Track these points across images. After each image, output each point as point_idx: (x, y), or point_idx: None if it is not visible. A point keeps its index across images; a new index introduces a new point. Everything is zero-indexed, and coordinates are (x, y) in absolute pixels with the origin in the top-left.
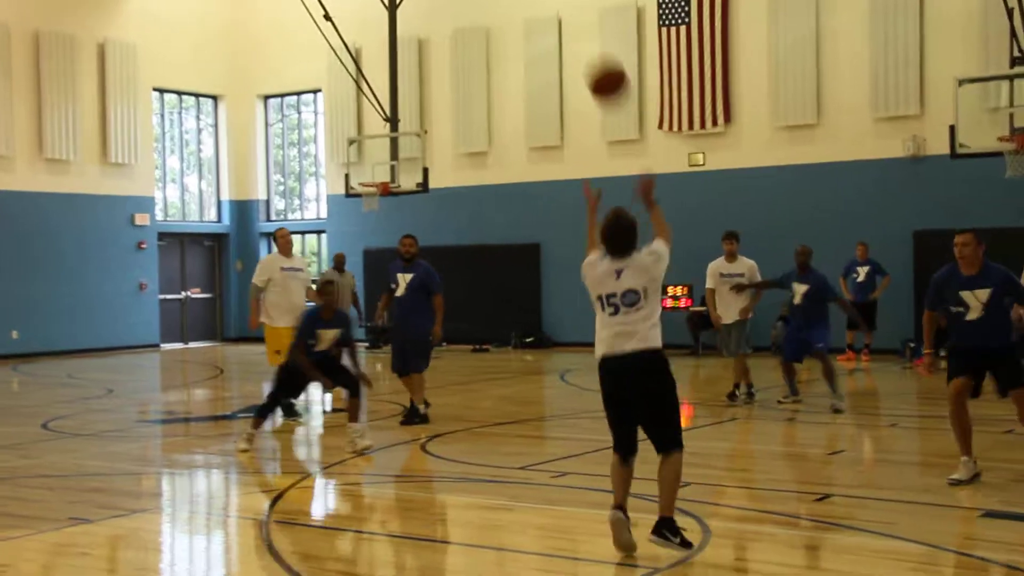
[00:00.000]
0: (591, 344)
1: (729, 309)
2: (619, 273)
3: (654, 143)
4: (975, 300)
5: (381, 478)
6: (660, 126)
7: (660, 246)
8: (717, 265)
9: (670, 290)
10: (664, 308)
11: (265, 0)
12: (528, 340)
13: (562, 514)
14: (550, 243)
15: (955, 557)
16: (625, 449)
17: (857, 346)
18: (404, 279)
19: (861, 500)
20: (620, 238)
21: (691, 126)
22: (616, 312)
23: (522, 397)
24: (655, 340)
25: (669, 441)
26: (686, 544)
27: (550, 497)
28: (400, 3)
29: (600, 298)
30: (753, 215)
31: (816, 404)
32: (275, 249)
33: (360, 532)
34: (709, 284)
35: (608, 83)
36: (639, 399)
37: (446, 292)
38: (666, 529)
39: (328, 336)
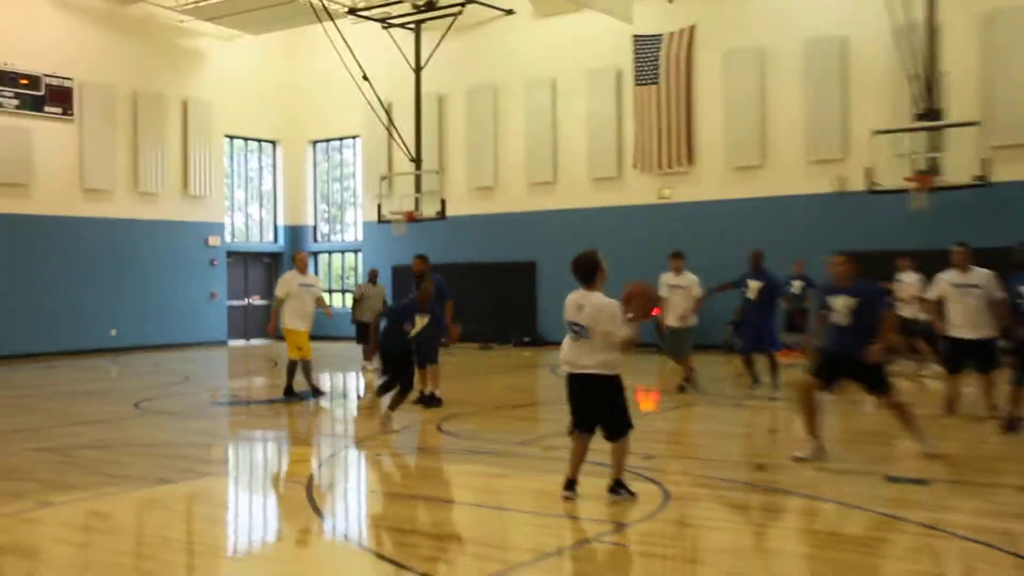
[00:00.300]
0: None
1: (674, 317)
2: (580, 307)
3: (630, 180)
4: (843, 307)
5: (404, 450)
6: (635, 166)
7: (619, 313)
8: (665, 278)
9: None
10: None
11: (314, 62)
12: (526, 340)
13: (551, 480)
14: (544, 261)
15: (863, 513)
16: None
17: (792, 344)
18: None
19: (791, 468)
20: (580, 269)
21: (660, 166)
22: (572, 335)
23: (520, 386)
24: (596, 368)
25: (614, 434)
26: (630, 493)
27: (542, 467)
28: (424, 66)
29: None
30: (711, 239)
31: (758, 393)
32: (294, 268)
33: (385, 493)
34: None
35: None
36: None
37: (459, 300)
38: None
39: (422, 322)
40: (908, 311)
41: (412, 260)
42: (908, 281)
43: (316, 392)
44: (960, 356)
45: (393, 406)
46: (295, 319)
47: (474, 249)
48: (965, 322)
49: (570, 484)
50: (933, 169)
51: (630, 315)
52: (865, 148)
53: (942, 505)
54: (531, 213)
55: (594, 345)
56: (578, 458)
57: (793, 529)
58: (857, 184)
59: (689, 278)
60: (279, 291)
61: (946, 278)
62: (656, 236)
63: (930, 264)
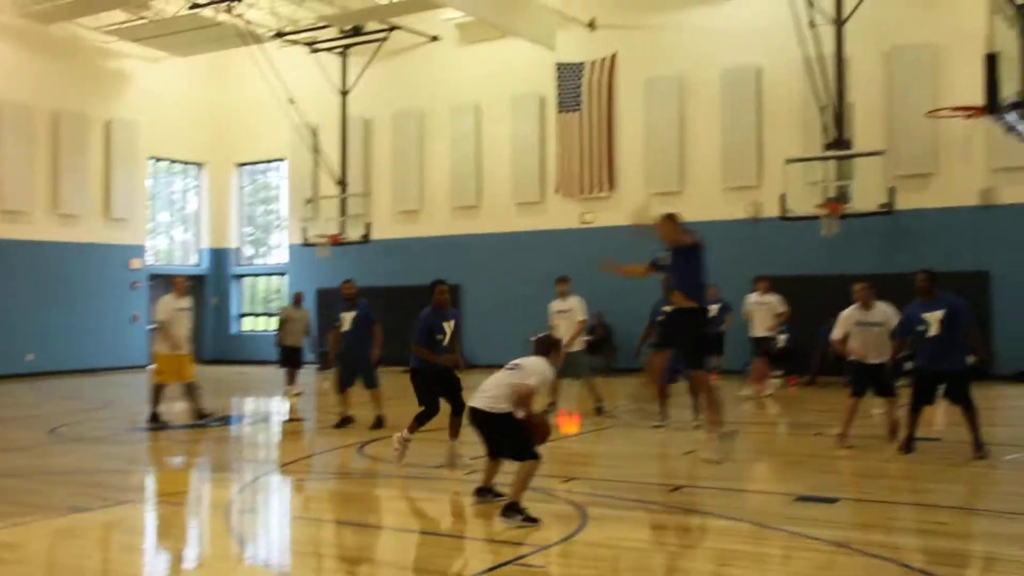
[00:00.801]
0: (500, 366)
1: (567, 339)
2: (516, 366)
3: (553, 205)
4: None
5: (325, 475)
6: (557, 191)
7: (535, 387)
8: (552, 305)
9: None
10: None
11: (241, 85)
12: None
13: (471, 502)
14: (469, 285)
15: (773, 532)
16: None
17: (709, 367)
18: (348, 316)
19: (705, 489)
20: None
21: (582, 191)
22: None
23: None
24: (503, 405)
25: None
26: (531, 520)
27: (463, 490)
28: (350, 90)
29: None
30: (632, 263)
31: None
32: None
33: (307, 518)
34: (550, 320)
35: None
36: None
37: (385, 324)
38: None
39: (450, 327)
40: (762, 331)
41: (341, 284)
42: (767, 301)
43: (201, 416)
44: (864, 380)
45: (454, 432)
46: (170, 343)
47: (399, 273)
48: (866, 351)
49: (481, 491)
50: (842, 197)
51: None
52: (779, 175)
53: (851, 523)
54: (456, 237)
55: (508, 389)
56: (492, 470)
57: (708, 549)
58: (771, 210)
59: (572, 302)
60: (161, 315)
61: (849, 316)
62: (578, 260)
63: (840, 289)
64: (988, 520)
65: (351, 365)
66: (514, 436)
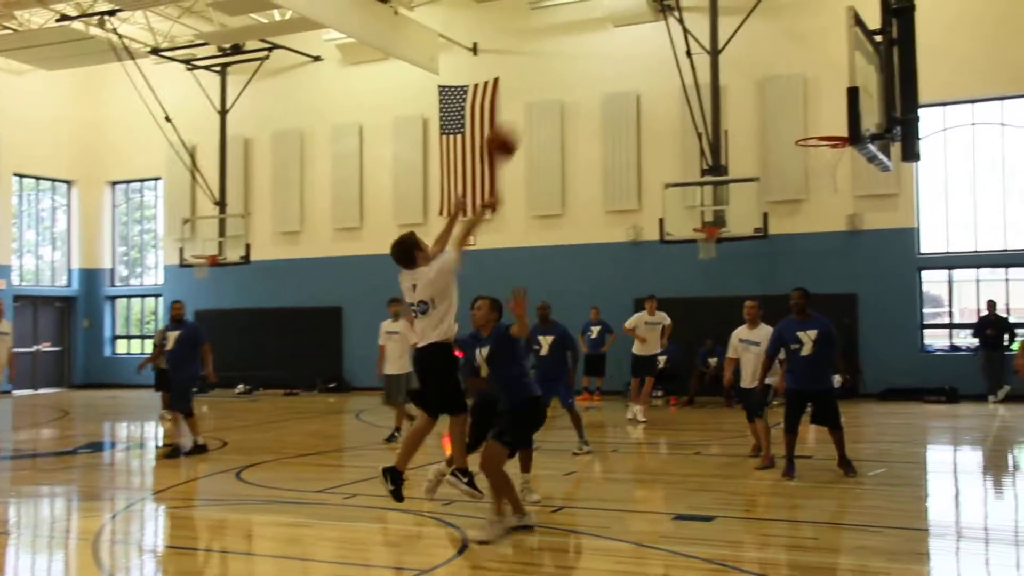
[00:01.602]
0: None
1: (391, 363)
2: (414, 287)
3: (436, 226)
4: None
5: (200, 502)
6: (440, 213)
7: (444, 257)
8: (383, 324)
9: None
10: None
11: (114, 101)
12: (331, 385)
13: (351, 529)
14: (350, 306)
15: (651, 552)
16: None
17: (591, 388)
18: (172, 336)
19: (587, 510)
20: (398, 254)
21: (464, 213)
22: (416, 316)
23: (324, 432)
24: (435, 336)
25: (446, 409)
26: (476, 489)
27: (343, 515)
28: (230, 109)
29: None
30: (512, 285)
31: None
32: None
33: (181, 548)
34: (380, 341)
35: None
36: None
37: (264, 347)
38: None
39: (484, 353)
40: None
41: (171, 306)
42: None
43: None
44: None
45: (525, 465)
46: None
47: (279, 294)
48: (746, 373)
49: (396, 475)
50: (719, 221)
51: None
52: (658, 200)
53: (727, 540)
54: (337, 258)
55: (435, 317)
56: (414, 445)
57: (589, 570)
58: (651, 234)
59: (403, 323)
60: None
61: (736, 334)
62: (460, 282)
63: (720, 309)
64: (855, 534)
65: (169, 384)
66: (448, 383)
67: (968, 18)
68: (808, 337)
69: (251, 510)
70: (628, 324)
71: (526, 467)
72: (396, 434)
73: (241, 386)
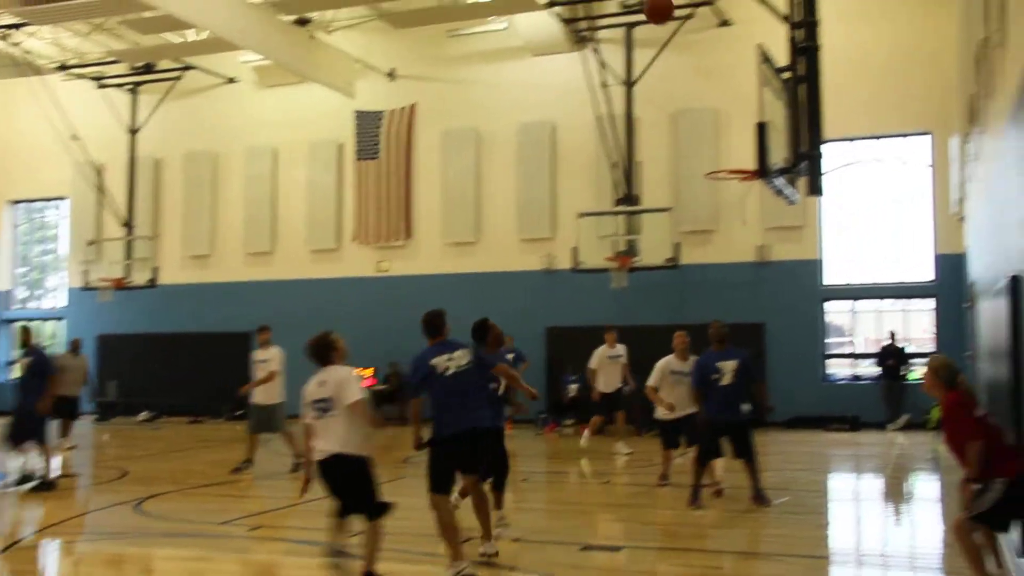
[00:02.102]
0: (292, 416)
1: (264, 391)
2: (323, 383)
3: (349, 252)
4: None
5: (96, 536)
6: (355, 239)
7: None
8: (255, 354)
9: (357, 371)
10: None
11: (19, 118)
12: (238, 413)
13: (252, 562)
14: None
15: None
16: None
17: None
18: (22, 363)
19: (496, 542)
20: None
21: (379, 239)
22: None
23: (229, 461)
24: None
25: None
26: None
27: (246, 547)
28: (140, 128)
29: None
30: (424, 311)
31: None
32: None
33: None
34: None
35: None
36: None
37: (170, 373)
38: None
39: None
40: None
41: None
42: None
43: None
44: (674, 433)
45: (497, 501)
46: None
47: (187, 319)
48: (678, 403)
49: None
50: (631, 251)
51: None
52: (571, 228)
53: (634, 571)
54: (248, 283)
55: (339, 421)
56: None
57: None
58: (564, 262)
59: (272, 352)
60: None
61: (665, 365)
62: (374, 308)
63: (629, 339)
64: (762, 563)
65: (19, 415)
66: (372, 486)
67: (871, 59)
68: (729, 367)
69: (150, 543)
70: (591, 365)
71: (499, 503)
72: (244, 466)
73: (144, 413)
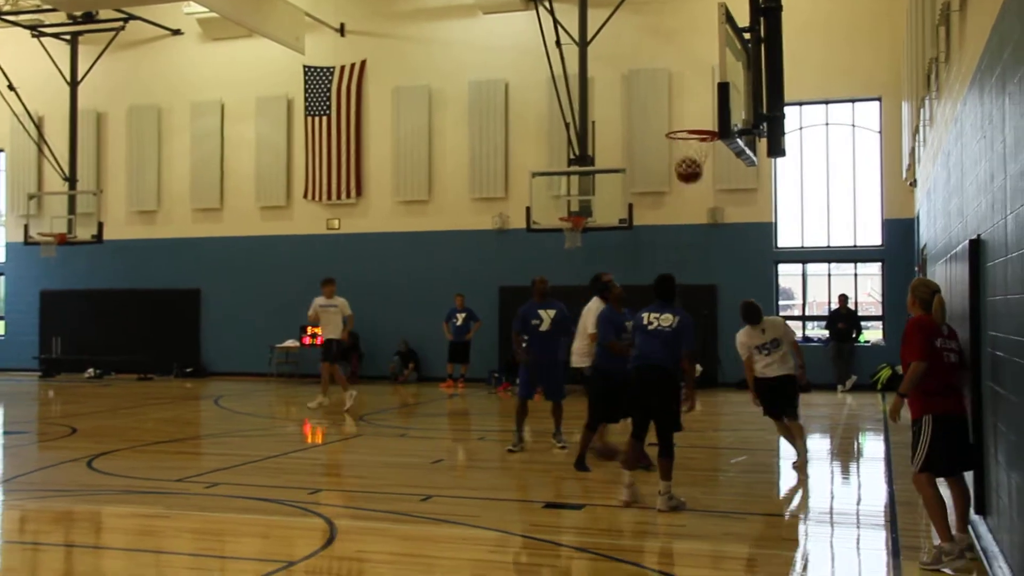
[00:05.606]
0: (243, 373)
1: (335, 330)
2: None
3: (299, 210)
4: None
5: (48, 492)
6: (305, 196)
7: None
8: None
9: (310, 329)
10: (304, 345)
11: None
12: (188, 370)
13: (212, 519)
14: (209, 289)
15: (521, 540)
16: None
17: (455, 375)
18: None
19: (454, 499)
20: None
21: (329, 197)
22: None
23: (181, 419)
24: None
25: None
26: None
27: (202, 504)
28: (81, 80)
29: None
30: (378, 270)
31: (422, 423)
32: None
33: (23, 542)
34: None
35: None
36: None
37: (117, 330)
38: None
39: (549, 315)
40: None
41: None
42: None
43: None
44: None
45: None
46: None
47: (134, 275)
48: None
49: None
50: (585, 211)
51: None
52: (525, 188)
53: (596, 528)
54: (196, 239)
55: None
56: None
57: (459, 560)
58: (518, 222)
59: (340, 300)
60: None
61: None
62: (324, 266)
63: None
64: (722, 521)
65: None
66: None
67: (824, 23)
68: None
69: (104, 501)
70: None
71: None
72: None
73: (91, 370)
